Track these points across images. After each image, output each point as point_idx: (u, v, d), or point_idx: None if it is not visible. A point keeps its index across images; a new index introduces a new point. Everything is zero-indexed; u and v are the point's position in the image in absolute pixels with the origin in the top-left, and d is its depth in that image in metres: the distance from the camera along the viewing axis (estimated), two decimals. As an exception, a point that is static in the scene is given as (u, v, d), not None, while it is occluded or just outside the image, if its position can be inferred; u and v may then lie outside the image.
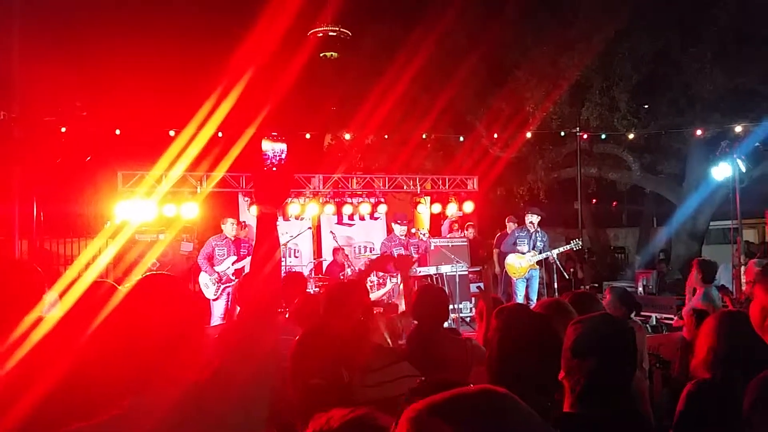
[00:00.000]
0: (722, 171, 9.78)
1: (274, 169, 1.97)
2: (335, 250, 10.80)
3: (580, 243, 10.05)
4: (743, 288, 7.75)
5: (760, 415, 1.84)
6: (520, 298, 9.37)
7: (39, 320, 2.27)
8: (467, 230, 11.58)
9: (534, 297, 9.51)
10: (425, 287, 3.93)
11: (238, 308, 4.20)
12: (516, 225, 10.31)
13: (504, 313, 2.42)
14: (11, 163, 9.71)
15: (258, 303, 1.80)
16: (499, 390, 1.03)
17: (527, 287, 9.66)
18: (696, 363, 2.51)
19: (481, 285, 9.86)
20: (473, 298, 9.58)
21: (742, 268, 8.38)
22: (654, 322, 8.42)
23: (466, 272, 9.81)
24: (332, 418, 1.91)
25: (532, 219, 9.61)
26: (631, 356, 2.05)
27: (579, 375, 2.00)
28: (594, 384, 1.98)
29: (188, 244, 10.53)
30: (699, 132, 12.62)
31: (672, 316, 8.04)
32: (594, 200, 19.34)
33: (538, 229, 9.63)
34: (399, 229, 9.77)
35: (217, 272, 8.93)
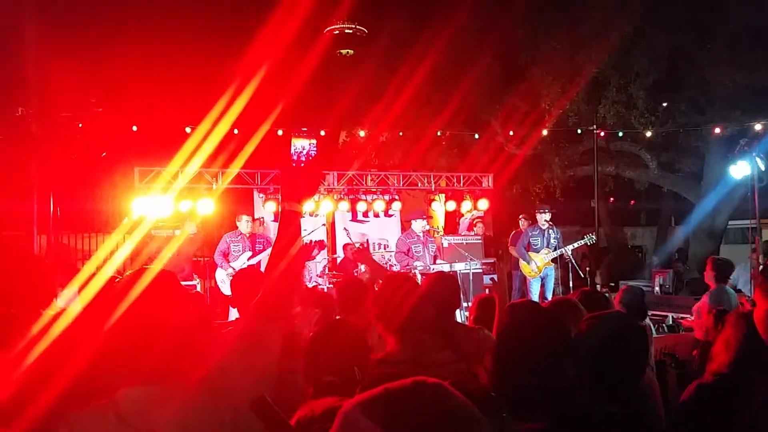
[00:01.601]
0: (741, 169, 9.66)
1: (302, 165, 1.97)
2: (345, 247, 10.82)
3: (594, 237, 9.98)
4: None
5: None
6: (535, 297, 9.33)
7: (60, 312, 2.30)
8: (476, 226, 11.54)
9: (549, 296, 9.46)
10: (437, 274, 3.93)
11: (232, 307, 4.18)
12: (528, 223, 10.26)
13: (515, 309, 2.41)
14: (29, 159, 9.82)
15: (268, 301, 1.77)
16: (430, 380, 1.04)
17: (542, 286, 9.62)
18: (714, 363, 2.48)
19: (495, 277, 9.84)
20: (487, 290, 9.55)
21: (761, 268, 8.29)
22: (670, 322, 8.34)
23: (480, 270, 9.78)
24: (317, 407, 1.93)
25: (545, 217, 9.56)
26: (642, 354, 2.05)
27: (590, 372, 1.99)
28: (604, 381, 1.98)
29: (191, 224, 10.55)
30: (717, 130, 12.47)
31: (688, 316, 7.97)
32: (611, 198, 19.20)
33: (552, 225, 9.58)
34: (419, 225, 9.61)
35: (233, 267, 9.00)
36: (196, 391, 1.52)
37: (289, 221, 1.88)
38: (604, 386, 1.99)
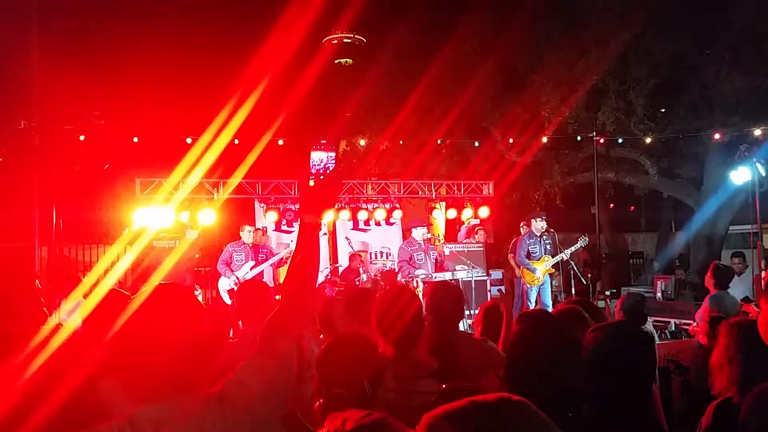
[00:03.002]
0: (741, 175, 9.69)
1: (321, 177, 1.95)
2: (352, 256, 10.82)
3: (587, 239, 9.94)
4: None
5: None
6: (532, 305, 9.30)
7: (58, 327, 2.30)
8: (477, 234, 11.52)
9: (549, 302, 9.43)
10: (440, 284, 3.88)
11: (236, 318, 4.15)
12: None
13: (526, 318, 2.41)
14: (31, 171, 9.85)
15: (286, 314, 1.75)
16: (515, 398, 1.06)
17: (539, 294, 9.58)
18: (721, 380, 2.45)
19: (503, 288, 9.85)
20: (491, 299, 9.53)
21: (763, 273, 8.29)
22: (673, 328, 8.32)
23: (482, 278, 9.77)
24: (348, 420, 1.92)
25: (542, 224, 9.54)
26: (649, 363, 2.04)
27: (599, 382, 1.99)
28: (614, 391, 1.97)
29: (193, 231, 10.57)
30: (717, 136, 12.48)
31: (691, 322, 7.95)
32: (611, 205, 19.18)
33: (550, 231, 9.57)
34: (419, 233, 9.63)
35: (236, 276, 9.01)
36: (214, 406, 1.52)
37: (308, 233, 1.86)
38: (612, 397, 1.99)
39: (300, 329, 1.79)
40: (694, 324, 7.18)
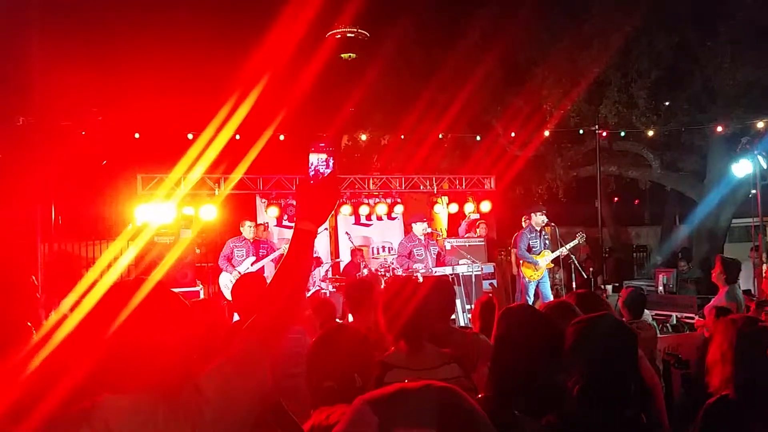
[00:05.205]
0: (743, 168, 9.66)
1: (319, 181, 1.89)
2: (353, 251, 10.83)
3: (584, 236, 9.93)
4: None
5: None
6: (531, 300, 9.31)
7: (63, 318, 2.31)
8: (478, 227, 11.49)
9: (549, 296, 9.42)
10: (433, 281, 3.89)
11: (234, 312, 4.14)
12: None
13: (509, 313, 2.42)
14: (30, 168, 9.87)
15: (267, 322, 1.69)
16: (438, 384, 1.09)
17: (538, 288, 9.57)
18: (716, 377, 2.44)
19: (494, 282, 9.85)
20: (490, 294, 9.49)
21: (764, 266, 8.28)
22: (674, 321, 8.32)
23: (480, 272, 9.76)
24: (332, 414, 1.93)
25: (543, 218, 9.50)
26: (630, 358, 2.03)
27: (578, 376, 1.99)
28: (593, 385, 1.97)
29: (187, 230, 10.59)
30: (720, 128, 12.43)
31: (693, 315, 7.94)
32: (615, 199, 19.14)
33: (550, 225, 9.55)
34: (420, 228, 9.63)
35: (238, 271, 9.04)
36: (179, 409, 1.49)
37: (301, 241, 1.77)
38: (596, 390, 1.99)
39: (280, 336, 1.73)
40: (697, 318, 7.19)
